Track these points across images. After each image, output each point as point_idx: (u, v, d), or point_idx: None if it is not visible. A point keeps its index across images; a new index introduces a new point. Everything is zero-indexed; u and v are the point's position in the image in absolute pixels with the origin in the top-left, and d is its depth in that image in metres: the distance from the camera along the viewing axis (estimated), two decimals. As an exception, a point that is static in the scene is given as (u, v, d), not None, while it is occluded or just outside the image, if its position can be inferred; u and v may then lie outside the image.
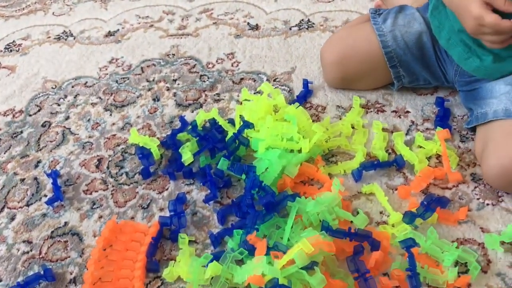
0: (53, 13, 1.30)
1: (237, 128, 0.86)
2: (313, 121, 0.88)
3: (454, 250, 0.66)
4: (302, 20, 1.16)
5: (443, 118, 0.86)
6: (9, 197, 0.82)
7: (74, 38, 1.19)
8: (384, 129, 0.86)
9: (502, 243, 0.68)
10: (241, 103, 0.94)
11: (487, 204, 0.74)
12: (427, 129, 0.86)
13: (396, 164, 0.80)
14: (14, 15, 1.31)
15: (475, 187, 0.76)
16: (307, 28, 1.13)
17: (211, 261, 0.66)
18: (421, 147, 0.82)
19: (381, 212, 0.74)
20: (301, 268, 0.62)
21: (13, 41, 1.20)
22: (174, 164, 0.83)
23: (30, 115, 0.98)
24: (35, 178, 0.85)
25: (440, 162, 0.79)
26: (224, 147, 0.83)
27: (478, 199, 0.74)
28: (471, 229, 0.71)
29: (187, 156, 0.81)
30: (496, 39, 0.70)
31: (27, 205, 0.81)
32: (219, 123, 0.87)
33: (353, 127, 0.87)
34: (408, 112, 0.90)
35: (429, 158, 0.80)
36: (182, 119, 0.91)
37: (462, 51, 0.79)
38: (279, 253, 0.65)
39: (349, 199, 0.76)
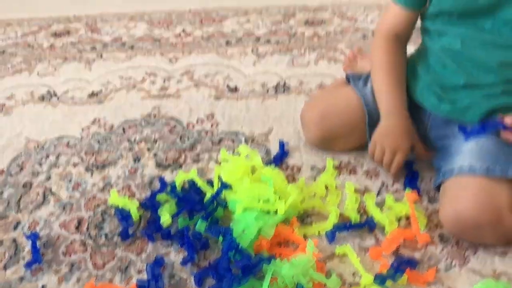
0: (38, 72, 1.34)
1: (215, 189, 0.89)
2: (288, 181, 0.92)
3: (423, 311, 0.69)
4: (279, 83, 1.22)
5: (411, 180, 0.90)
6: (-14, 260, 0.83)
7: (58, 98, 1.22)
8: (356, 190, 0.90)
9: (469, 303, 0.71)
10: (219, 164, 0.98)
11: (454, 265, 0.77)
12: (397, 190, 0.91)
13: (368, 225, 0.83)
14: (-1, 74, 1.34)
15: (443, 248, 0.80)
16: (283, 91, 1.19)
17: (188, 325, 0.67)
18: (391, 208, 0.86)
19: (353, 274, 0.77)
20: (276, 332, 0.64)
21: (-3, 100, 1.23)
22: (153, 225, 0.85)
23: (11, 175, 1.00)
24: (14, 240, 0.86)
25: (409, 224, 0.83)
26: (202, 208, 0.86)
27: (446, 259, 0.78)
28: (439, 290, 0.74)
29: (165, 218, 0.84)
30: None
31: (4, 268, 0.81)
32: (198, 184, 0.90)
33: (326, 188, 0.91)
34: (379, 173, 0.94)
35: (399, 220, 0.84)
36: (161, 180, 0.93)
37: (434, 100, 0.87)
38: (255, 316, 0.66)
39: (323, 260, 0.79)
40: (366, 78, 0.97)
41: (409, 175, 0.92)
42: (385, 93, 0.91)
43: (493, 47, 0.80)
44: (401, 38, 0.93)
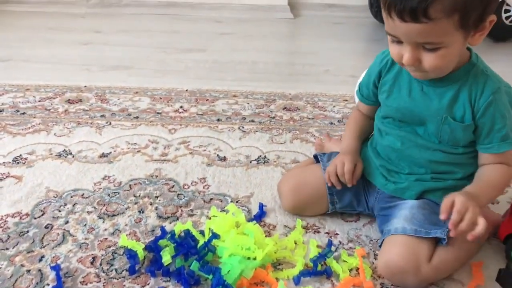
0: (54, 133, 1.56)
1: (206, 238, 1.10)
2: (265, 236, 1.14)
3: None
4: (260, 156, 1.47)
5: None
6: (16, 284, 1.00)
7: (73, 156, 1.44)
8: (318, 246, 1.13)
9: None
10: (210, 218, 1.19)
11: (391, 306, 0.99)
12: (350, 248, 1.13)
13: (326, 273, 1.05)
14: (20, 132, 1.55)
15: (383, 293, 1.02)
16: (263, 163, 1.44)
17: None
18: (345, 261, 1.09)
19: (313, 309, 0.98)
20: None
21: (20, 155, 1.43)
22: (155, 264, 1.05)
23: (35, 218, 1.19)
24: (39, 270, 1.04)
25: (358, 273, 1.06)
26: (196, 252, 1.06)
27: (385, 302, 1.00)
28: (378, 324, 0.95)
29: (166, 258, 1.04)
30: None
31: (32, 292, 0.99)
32: (193, 233, 1.12)
33: (295, 243, 1.13)
34: (337, 234, 1.18)
35: (350, 270, 1.07)
36: (162, 228, 1.14)
37: (381, 180, 1.13)
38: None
39: (290, 297, 1.00)
40: (330, 155, 1.23)
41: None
42: (346, 138, 1.21)
43: (424, 149, 1.05)
44: (368, 117, 1.21)
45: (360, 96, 1.19)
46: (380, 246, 1.08)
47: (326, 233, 1.18)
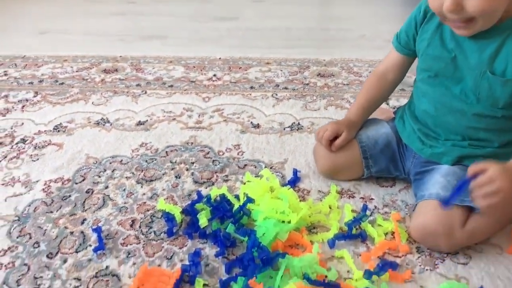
0: (92, 102, 1.59)
1: (241, 202, 1.12)
2: (299, 201, 1.15)
3: (399, 300, 0.90)
4: (294, 123, 1.47)
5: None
6: (61, 245, 1.05)
7: (111, 124, 1.47)
8: (353, 211, 1.13)
9: (435, 297, 0.93)
10: (244, 183, 1.21)
11: (427, 269, 0.98)
12: (385, 212, 1.13)
13: (361, 237, 1.05)
14: (60, 102, 1.60)
15: (419, 257, 1.01)
16: (297, 130, 1.44)
17: (221, 297, 0.89)
18: (380, 225, 1.09)
19: (348, 271, 0.98)
20: (288, 304, 0.85)
21: (60, 123, 1.48)
22: (192, 227, 1.07)
23: (76, 183, 1.23)
24: (82, 232, 1.08)
25: (393, 237, 1.05)
26: (231, 216, 1.08)
27: (420, 265, 0.99)
28: (413, 287, 0.95)
29: (203, 221, 1.06)
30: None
31: (76, 251, 1.03)
32: (228, 198, 1.14)
33: (330, 207, 1.13)
34: (372, 199, 1.17)
35: (385, 234, 1.06)
36: (198, 193, 1.16)
37: (418, 144, 1.10)
38: (272, 294, 0.88)
39: (324, 260, 1.00)
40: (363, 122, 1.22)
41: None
42: (351, 107, 1.22)
43: (460, 115, 1.01)
44: (387, 78, 1.18)
45: (397, 44, 1.15)
46: (414, 210, 1.07)
47: (361, 198, 1.17)
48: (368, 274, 0.95)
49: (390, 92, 1.22)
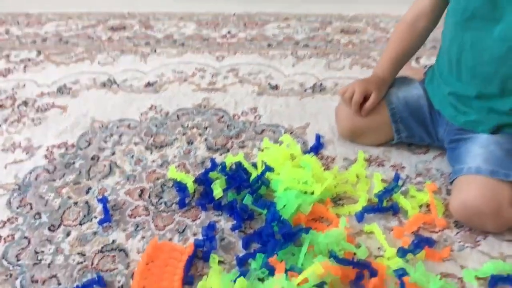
0: (98, 62, 1.49)
1: (259, 171, 1.02)
2: (323, 169, 1.04)
3: (438, 281, 0.80)
4: (316, 83, 1.35)
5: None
6: (64, 216, 0.97)
7: (118, 86, 1.37)
8: (383, 180, 1.02)
9: (478, 278, 0.83)
10: (262, 150, 1.11)
11: (467, 247, 0.88)
12: (419, 182, 1.02)
13: (393, 209, 0.95)
14: (64, 62, 1.50)
15: (457, 232, 0.91)
16: (319, 91, 1.32)
17: (239, 277, 0.80)
18: (413, 196, 0.98)
19: (378, 248, 0.89)
20: (313, 286, 0.76)
21: (64, 84, 1.38)
22: (205, 197, 0.98)
23: (81, 149, 1.14)
24: (86, 202, 1.00)
25: (429, 210, 0.95)
26: (249, 186, 0.98)
27: (459, 242, 0.89)
28: (452, 266, 0.85)
29: (218, 191, 0.97)
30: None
31: (80, 224, 0.95)
32: (244, 166, 1.04)
33: (357, 177, 1.03)
34: (404, 167, 1.06)
35: (420, 206, 0.96)
36: (212, 160, 1.07)
37: (451, 111, 0.99)
38: (295, 273, 0.79)
39: (352, 235, 0.91)
40: (393, 80, 1.09)
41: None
42: (380, 60, 1.11)
43: (498, 59, 0.88)
44: (418, 25, 1.04)
45: None
46: (451, 183, 0.96)
47: (392, 166, 1.06)
48: (402, 252, 0.85)
49: (422, 42, 1.09)
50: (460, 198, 0.89)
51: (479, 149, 0.93)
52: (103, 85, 1.38)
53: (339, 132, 1.13)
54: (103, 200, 0.98)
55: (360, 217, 0.94)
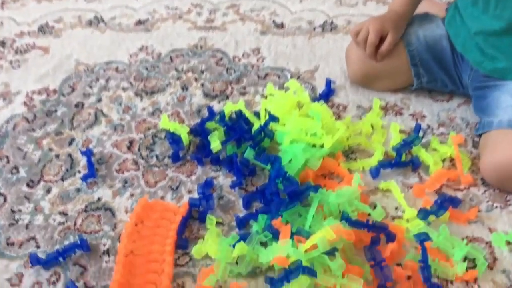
0: (84, -2, 1.35)
1: (262, 121, 0.91)
2: (334, 119, 0.94)
3: (463, 247, 0.72)
4: (326, 21, 1.22)
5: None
6: (45, 171, 0.88)
7: (105, 24, 1.24)
8: (401, 131, 0.91)
9: (508, 243, 0.74)
10: (266, 97, 1.00)
11: (496, 207, 0.79)
12: (442, 133, 0.92)
13: (412, 164, 0.86)
14: (46, -3, 1.35)
15: (485, 191, 0.82)
16: (330, 30, 1.19)
17: (238, 241, 0.71)
18: (436, 150, 0.88)
19: (396, 208, 0.80)
20: (323, 253, 0.68)
21: (46, 22, 1.25)
22: (202, 150, 0.89)
23: (64, 95, 1.03)
24: (69, 155, 0.91)
25: (453, 165, 0.85)
26: (250, 137, 0.89)
27: (487, 201, 0.80)
28: (479, 229, 0.77)
29: (215, 144, 0.87)
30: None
31: (62, 179, 0.87)
32: (246, 115, 0.93)
33: (372, 127, 0.93)
34: (424, 116, 0.95)
35: (443, 161, 0.86)
36: (210, 109, 0.96)
37: (476, 55, 0.88)
38: (302, 238, 0.70)
39: (367, 193, 0.82)
40: (414, 16, 0.98)
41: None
42: None
43: None
44: None
45: None
46: (478, 135, 0.86)
47: (411, 115, 0.97)
48: (423, 214, 0.76)
49: None
50: (493, 159, 0.79)
51: (510, 99, 0.83)
52: (89, 23, 1.24)
53: (350, 77, 1.02)
54: (88, 153, 0.89)
55: (375, 172, 0.84)
